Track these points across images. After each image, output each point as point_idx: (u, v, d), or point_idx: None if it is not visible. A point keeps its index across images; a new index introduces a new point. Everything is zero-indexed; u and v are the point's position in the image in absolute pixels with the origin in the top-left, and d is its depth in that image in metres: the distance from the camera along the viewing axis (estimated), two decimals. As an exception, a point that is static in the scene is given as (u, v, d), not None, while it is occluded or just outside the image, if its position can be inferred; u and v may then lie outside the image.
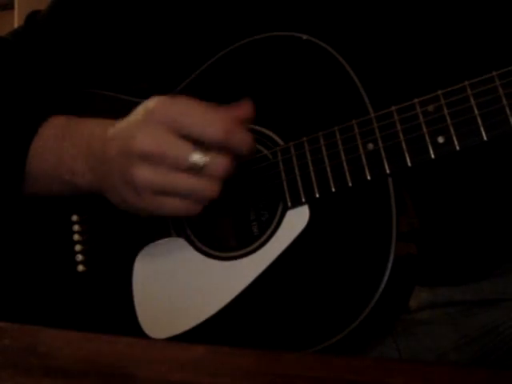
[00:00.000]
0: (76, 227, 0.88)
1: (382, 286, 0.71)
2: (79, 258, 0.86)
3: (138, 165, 0.72)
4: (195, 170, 0.72)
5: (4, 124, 0.84)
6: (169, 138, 0.72)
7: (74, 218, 0.88)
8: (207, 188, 0.73)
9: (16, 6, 1.80)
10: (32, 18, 0.94)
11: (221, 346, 0.61)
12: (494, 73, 0.69)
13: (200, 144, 0.72)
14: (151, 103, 0.74)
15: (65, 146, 0.81)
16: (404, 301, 0.81)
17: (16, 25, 1.71)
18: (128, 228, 0.85)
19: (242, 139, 0.72)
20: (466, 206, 0.82)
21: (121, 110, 0.91)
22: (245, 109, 0.73)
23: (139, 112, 0.74)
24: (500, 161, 0.81)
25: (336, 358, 0.59)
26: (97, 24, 0.90)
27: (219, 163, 0.72)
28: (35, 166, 0.83)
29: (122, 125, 0.76)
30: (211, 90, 0.84)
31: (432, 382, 0.52)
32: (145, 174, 0.72)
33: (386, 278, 0.71)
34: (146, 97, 0.91)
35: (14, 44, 0.93)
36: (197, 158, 0.71)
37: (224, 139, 0.71)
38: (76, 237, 0.87)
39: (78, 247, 0.87)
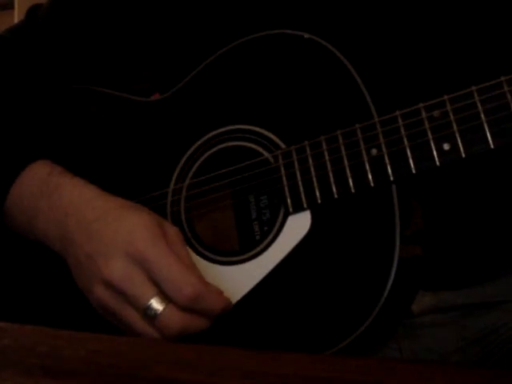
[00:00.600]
0: None
1: (386, 293, 0.70)
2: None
3: (99, 283, 0.73)
4: (148, 315, 0.72)
5: None
6: (136, 278, 0.72)
7: None
8: (154, 334, 0.73)
9: (16, 5, 1.80)
10: (33, 12, 0.94)
11: (220, 346, 0.60)
12: (503, 78, 0.67)
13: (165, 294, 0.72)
14: (138, 234, 0.73)
15: (41, 205, 0.80)
16: (407, 306, 0.80)
17: (16, 25, 1.71)
18: None
19: (210, 306, 0.72)
20: (469, 209, 0.82)
21: (120, 109, 0.91)
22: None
23: (124, 236, 0.74)
24: (504, 165, 0.80)
25: (336, 358, 0.59)
26: (97, 21, 0.90)
27: (172, 320, 0.72)
28: (14, 211, 0.83)
29: (102, 222, 0.75)
30: (211, 89, 0.84)
31: (432, 382, 0.52)
32: (102, 292, 0.74)
33: (389, 284, 0.70)
34: (147, 95, 0.91)
35: (10, 42, 0.92)
36: (153, 305, 0.71)
37: (188, 305, 0.71)
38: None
39: None
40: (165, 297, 0.72)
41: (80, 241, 0.76)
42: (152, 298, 0.72)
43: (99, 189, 0.80)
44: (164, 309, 0.71)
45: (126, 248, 0.73)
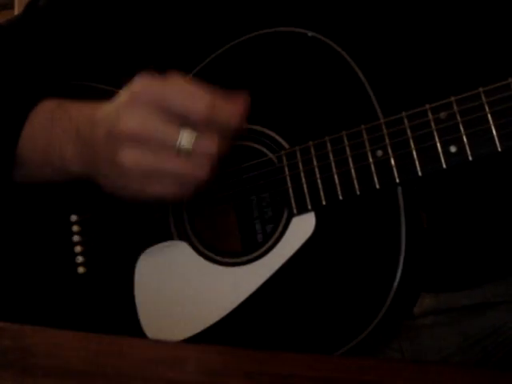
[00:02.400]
0: (75, 228, 0.87)
1: (392, 294, 0.70)
2: (79, 259, 0.86)
3: (125, 147, 0.71)
4: (183, 151, 0.70)
5: None
6: (155, 119, 0.70)
7: (74, 218, 0.87)
8: (195, 171, 0.71)
9: (16, 5, 1.80)
10: (32, 5, 0.93)
11: (221, 346, 0.60)
12: (511, 79, 0.67)
13: (188, 125, 0.70)
14: (135, 84, 0.72)
15: (54, 131, 0.79)
16: (410, 308, 0.80)
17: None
18: (129, 229, 0.84)
19: (228, 113, 0.70)
20: (470, 211, 0.81)
21: None
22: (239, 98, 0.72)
23: (124, 94, 0.73)
24: (507, 167, 0.80)
25: (336, 358, 0.59)
26: (97, 16, 0.90)
27: (207, 145, 0.70)
28: (26, 152, 0.81)
29: (109, 108, 0.74)
30: (216, 87, 0.83)
31: (433, 383, 0.52)
32: (131, 156, 0.71)
33: (395, 286, 0.70)
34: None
35: (9, 31, 0.92)
36: (183, 139, 0.70)
37: (208, 115, 0.69)
38: (76, 238, 0.86)
39: (77, 248, 0.86)
40: (189, 129, 0.70)
41: (95, 136, 0.74)
42: (180, 131, 0.70)
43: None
44: (196, 137, 0.70)
45: (131, 100, 0.71)
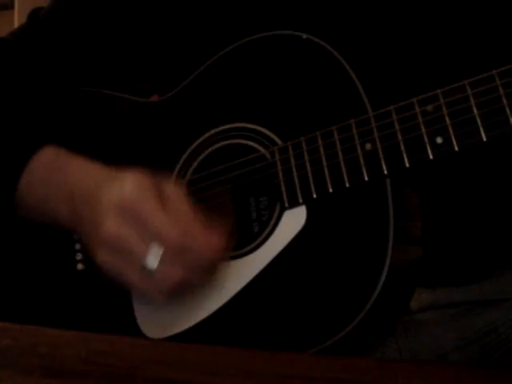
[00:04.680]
0: None
1: (379, 287, 0.70)
2: (79, 256, 0.86)
3: (101, 247, 0.73)
4: (146, 269, 0.71)
5: None
6: (130, 234, 0.72)
7: None
8: (150, 291, 0.73)
9: (16, 6, 1.80)
10: (34, 15, 0.94)
11: (220, 346, 0.61)
12: (495, 71, 0.68)
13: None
14: (127, 188, 0.73)
15: (50, 188, 0.81)
16: (404, 302, 0.80)
17: (16, 25, 1.71)
18: None
19: (201, 246, 0.71)
20: (468, 207, 0.82)
21: (121, 110, 0.91)
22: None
23: (116, 194, 0.74)
24: (502, 162, 0.81)
25: (336, 358, 0.59)
26: (99, 23, 0.90)
27: (169, 271, 0.71)
28: (24, 198, 0.83)
29: (100, 196, 0.75)
30: (210, 89, 0.84)
31: (432, 382, 0.52)
32: (105, 256, 0.73)
33: (382, 279, 0.70)
34: (147, 95, 0.91)
35: (14, 45, 0.93)
36: (150, 259, 0.71)
37: (178, 244, 0.70)
38: (76, 235, 0.87)
39: (78, 246, 0.87)
40: (162, 250, 0.71)
41: (84, 212, 0.77)
42: (147, 253, 0.71)
43: (102, 164, 0.80)
44: (159, 263, 0.71)
45: (118, 204, 0.73)
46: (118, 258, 0.73)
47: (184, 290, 0.74)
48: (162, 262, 0.71)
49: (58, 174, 0.81)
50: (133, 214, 0.72)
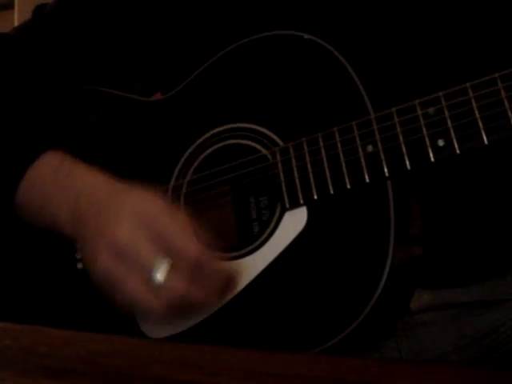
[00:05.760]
0: None
1: (380, 288, 0.70)
2: (79, 255, 0.86)
3: (105, 253, 0.73)
4: (152, 281, 0.71)
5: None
6: (142, 242, 0.72)
7: None
8: (149, 303, 0.73)
9: (16, 6, 1.80)
10: (39, 11, 0.94)
11: (221, 346, 0.61)
12: (497, 74, 0.68)
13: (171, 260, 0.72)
14: (145, 201, 0.74)
15: (53, 191, 0.81)
16: (405, 303, 0.80)
17: (16, 25, 1.71)
18: None
19: (214, 272, 0.72)
20: (468, 207, 0.82)
21: (122, 108, 0.91)
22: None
23: (132, 204, 0.75)
24: (503, 163, 0.81)
25: (336, 358, 0.59)
26: (102, 21, 0.90)
27: (175, 287, 0.71)
28: (24, 201, 0.83)
29: (112, 203, 0.76)
30: (211, 89, 0.84)
31: (432, 382, 0.52)
32: (107, 263, 0.73)
33: (383, 280, 0.71)
34: (148, 94, 0.91)
35: (18, 40, 0.93)
36: (158, 270, 0.71)
37: (191, 267, 0.71)
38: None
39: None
40: (170, 264, 0.71)
41: (90, 216, 0.76)
42: (157, 263, 0.71)
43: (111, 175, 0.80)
44: (168, 275, 0.71)
45: (133, 212, 0.73)
46: (123, 265, 0.72)
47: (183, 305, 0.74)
48: (169, 276, 0.71)
49: (65, 179, 0.81)
50: (151, 225, 0.72)
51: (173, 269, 0.71)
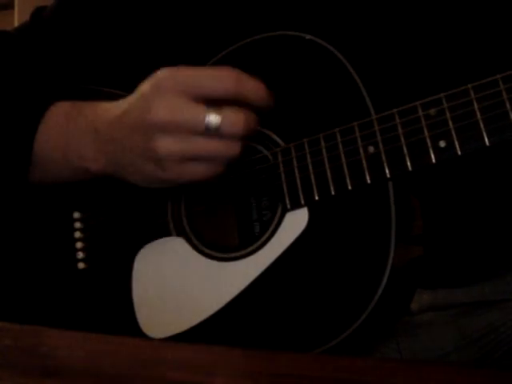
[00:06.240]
0: (78, 224, 0.88)
1: (381, 289, 0.71)
2: (80, 255, 0.87)
3: (157, 137, 0.72)
4: (212, 131, 0.71)
5: (8, 112, 0.83)
6: (181, 104, 0.71)
7: (76, 215, 0.88)
8: (227, 148, 0.72)
9: (16, 6, 1.80)
10: (37, 14, 0.94)
11: (220, 346, 0.61)
12: (499, 76, 0.68)
13: (214, 104, 0.71)
14: (157, 75, 0.73)
15: (70, 131, 0.80)
16: (405, 303, 0.80)
17: (16, 25, 1.71)
18: (129, 226, 0.85)
19: (254, 87, 0.72)
20: (469, 208, 0.82)
21: None
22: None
23: (146, 86, 0.74)
24: (504, 164, 0.80)
25: (336, 358, 0.59)
26: (101, 23, 0.90)
27: (234, 120, 0.71)
28: (42, 153, 0.82)
29: (131, 101, 0.75)
30: None
31: (432, 382, 0.52)
32: (165, 144, 0.72)
33: (384, 281, 0.71)
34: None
35: (18, 38, 0.93)
36: (211, 118, 0.70)
37: (235, 91, 0.71)
38: (77, 234, 0.87)
39: (79, 244, 0.87)
40: (216, 109, 0.71)
41: (119, 132, 0.75)
42: (206, 110, 0.71)
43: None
44: (223, 115, 0.71)
45: (156, 90, 0.72)
46: (179, 140, 0.72)
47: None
48: (224, 115, 0.71)
49: (76, 119, 0.80)
50: (175, 85, 0.72)
51: (224, 108, 0.71)
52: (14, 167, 0.83)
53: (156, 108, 0.71)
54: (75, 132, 0.80)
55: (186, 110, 0.71)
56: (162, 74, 0.73)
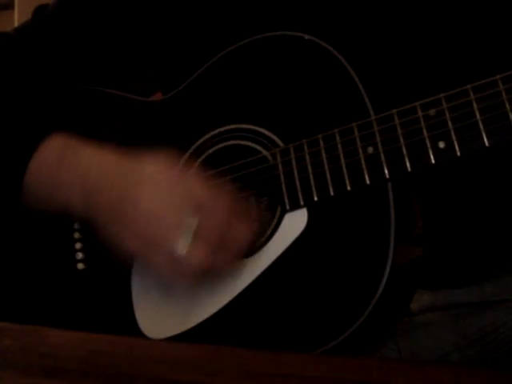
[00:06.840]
0: (77, 225, 0.88)
1: (380, 289, 0.71)
2: (79, 256, 0.87)
3: (130, 229, 0.75)
4: (175, 256, 0.73)
5: (2, 139, 0.84)
6: (167, 204, 0.74)
7: None
8: (174, 276, 0.75)
9: (16, 6, 1.80)
10: (39, 12, 0.94)
11: (220, 346, 0.61)
12: (498, 76, 0.67)
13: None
14: (160, 166, 0.76)
15: (60, 173, 0.80)
16: (405, 303, 0.80)
17: (16, 25, 1.71)
18: None
19: (241, 232, 0.74)
20: (469, 208, 0.82)
21: (122, 109, 0.91)
22: None
23: (149, 167, 0.76)
24: (503, 165, 0.80)
25: (336, 358, 0.59)
26: (102, 22, 0.90)
27: (194, 259, 0.72)
28: (32, 185, 0.82)
29: (132, 171, 0.77)
30: (212, 90, 0.84)
31: (432, 382, 0.52)
32: (132, 244, 0.75)
33: (384, 281, 0.71)
34: (147, 95, 0.91)
35: (18, 40, 0.93)
36: (177, 247, 0.72)
37: (220, 230, 0.73)
38: (76, 235, 0.87)
39: (78, 245, 0.87)
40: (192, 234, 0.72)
41: (104, 189, 0.77)
42: (177, 239, 0.72)
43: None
44: (188, 250, 0.72)
45: (151, 182, 0.74)
46: (147, 242, 0.74)
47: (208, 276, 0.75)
48: (193, 246, 0.72)
49: (71, 158, 0.80)
50: (172, 190, 0.74)
51: (195, 239, 0.72)
52: (5, 197, 0.84)
53: (141, 202, 0.74)
54: (65, 177, 0.80)
55: (167, 210, 0.73)
56: (164, 166, 0.76)
